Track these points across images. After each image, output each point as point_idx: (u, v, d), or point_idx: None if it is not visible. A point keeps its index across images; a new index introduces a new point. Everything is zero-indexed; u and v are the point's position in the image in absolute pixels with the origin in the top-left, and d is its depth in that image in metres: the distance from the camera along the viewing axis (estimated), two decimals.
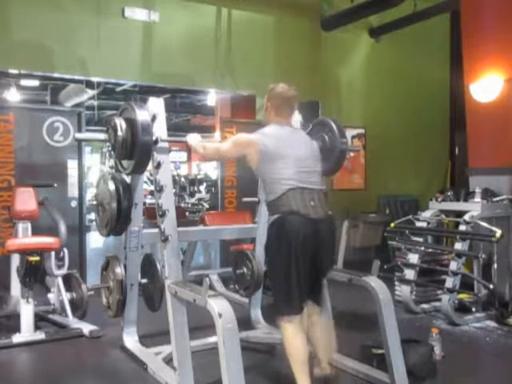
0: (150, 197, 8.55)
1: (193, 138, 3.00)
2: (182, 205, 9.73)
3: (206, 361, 3.06)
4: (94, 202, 3.33)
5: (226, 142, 2.84)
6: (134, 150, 2.85)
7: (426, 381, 3.04)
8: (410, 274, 4.53)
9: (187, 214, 8.65)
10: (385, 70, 7.07)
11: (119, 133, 2.85)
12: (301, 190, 2.60)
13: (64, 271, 4.07)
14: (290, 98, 2.80)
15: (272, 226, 2.63)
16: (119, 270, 3.52)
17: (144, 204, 3.57)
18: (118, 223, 3.14)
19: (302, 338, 2.57)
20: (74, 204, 5.32)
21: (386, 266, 4.63)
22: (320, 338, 2.74)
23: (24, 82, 7.82)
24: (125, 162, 3.03)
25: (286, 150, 2.65)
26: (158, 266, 3.34)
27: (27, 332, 3.74)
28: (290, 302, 2.58)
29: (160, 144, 2.99)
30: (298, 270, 2.54)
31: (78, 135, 2.83)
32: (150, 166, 3.12)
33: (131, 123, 2.86)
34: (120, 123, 2.87)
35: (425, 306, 4.63)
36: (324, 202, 2.69)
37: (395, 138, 7.03)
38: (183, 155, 15.64)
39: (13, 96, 8.14)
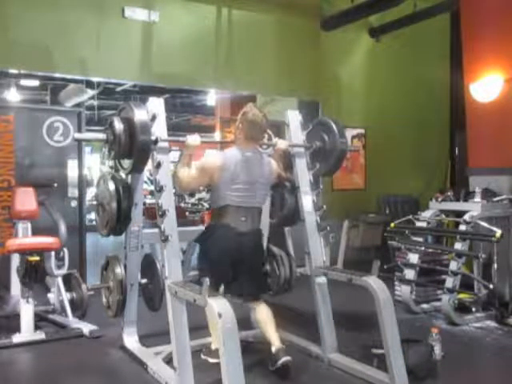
0: (149, 197, 8.54)
1: (193, 140, 3.07)
2: (182, 205, 9.73)
3: (206, 361, 3.07)
4: (94, 202, 3.33)
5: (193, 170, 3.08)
6: (133, 150, 2.85)
7: (426, 381, 3.04)
8: (410, 273, 4.53)
9: (187, 213, 8.65)
10: (385, 69, 7.07)
11: (117, 132, 2.85)
12: (237, 207, 3.09)
13: (64, 271, 4.07)
14: (260, 124, 3.14)
15: (206, 230, 3.26)
16: (119, 270, 3.52)
17: (144, 204, 3.58)
18: (118, 223, 3.15)
19: None
20: (73, 204, 5.32)
21: (385, 266, 4.64)
22: (265, 324, 3.18)
23: (24, 82, 7.82)
24: (124, 162, 3.03)
25: (239, 174, 3.06)
26: (158, 266, 3.34)
27: (27, 332, 3.74)
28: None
29: (160, 144, 2.99)
30: (217, 267, 3.08)
31: (78, 135, 2.85)
32: (149, 166, 3.11)
33: (129, 123, 2.85)
34: (118, 123, 2.87)
35: (425, 305, 4.63)
36: (256, 218, 3.21)
37: (395, 138, 7.02)
38: None
39: (13, 96, 8.13)
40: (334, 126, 3.47)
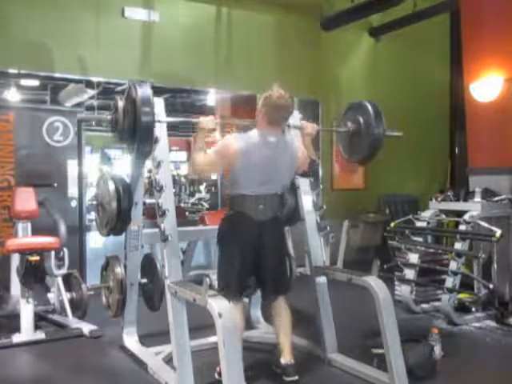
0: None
1: (206, 122, 2.86)
2: (182, 205, 9.71)
3: (206, 361, 3.07)
4: (94, 202, 3.33)
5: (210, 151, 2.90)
6: (136, 130, 2.67)
7: (426, 381, 3.04)
8: (410, 273, 4.53)
9: (187, 213, 8.64)
10: (385, 69, 7.07)
11: (120, 112, 2.70)
12: (255, 196, 2.89)
13: (64, 271, 4.07)
14: (287, 107, 2.87)
15: (225, 220, 3.00)
16: (119, 270, 3.53)
17: (144, 204, 3.58)
18: (117, 223, 3.14)
19: (239, 317, 2.86)
20: (73, 204, 5.32)
21: (385, 266, 4.63)
22: (281, 328, 3.02)
23: (24, 82, 7.81)
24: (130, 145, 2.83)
25: (258, 160, 2.84)
26: (158, 266, 3.34)
27: (27, 332, 3.74)
28: (228, 287, 2.86)
29: (160, 144, 2.98)
30: (241, 263, 2.87)
31: (81, 116, 2.73)
32: (149, 166, 3.11)
33: (132, 102, 2.69)
34: (121, 102, 2.73)
35: (425, 305, 4.63)
36: (275, 204, 2.98)
37: (395, 137, 7.01)
38: (183, 155, 15.64)
39: (13, 96, 8.13)
40: (369, 107, 3.20)
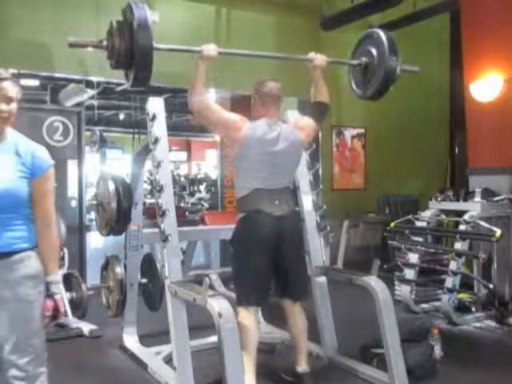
0: (149, 196, 8.52)
1: (209, 49, 2.83)
2: (182, 204, 9.72)
3: (206, 361, 3.07)
4: (94, 202, 3.34)
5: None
6: (133, 56, 2.51)
7: (426, 381, 3.04)
8: (409, 273, 4.53)
9: (187, 213, 8.65)
10: None
11: (115, 36, 2.53)
12: (266, 191, 2.78)
13: (64, 271, 4.07)
14: (276, 88, 2.91)
15: (239, 223, 2.85)
16: (119, 270, 3.53)
17: (144, 204, 3.58)
18: (117, 223, 3.15)
19: (253, 325, 2.78)
20: (73, 204, 5.32)
21: (385, 266, 4.63)
22: (299, 337, 2.97)
23: (24, 82, 7.81)
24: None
25: (264, 150, 2.77)
26: (158, 266, 3.35)
27: None
28: (248, 293, 2.78)
29: (160, 144, 2.98)
30: (259, 265, 2.75)
31: (73, 40, 2.54)
32: (149, 166, 3.10)
33: (129, 25, 2.50)
34: (117, 25, 2.55)
35: (425, 305, 4.63)
36: (290, 198, 2.89)
37: (395, 137, 7.02)
38: (183, 155, 15.66)
39: None
40: (383, 38, 2.96)
